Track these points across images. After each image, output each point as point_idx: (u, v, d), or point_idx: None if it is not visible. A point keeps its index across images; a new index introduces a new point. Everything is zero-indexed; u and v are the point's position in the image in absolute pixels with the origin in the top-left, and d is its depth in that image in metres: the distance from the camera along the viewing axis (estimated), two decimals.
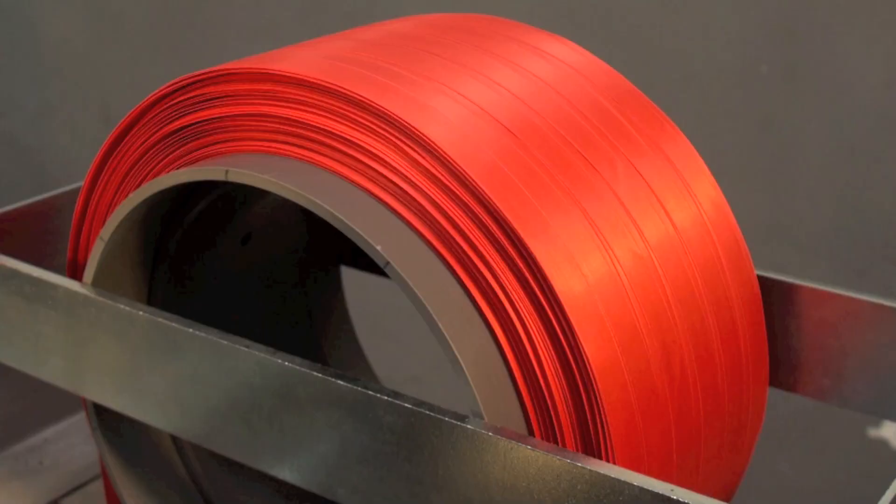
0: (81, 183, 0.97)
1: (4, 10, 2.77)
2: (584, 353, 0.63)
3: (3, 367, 0.93)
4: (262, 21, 2.47)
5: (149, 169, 0.78)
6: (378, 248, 0.63)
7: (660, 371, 0.69)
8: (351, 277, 1.07)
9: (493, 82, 0.75)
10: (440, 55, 0.77)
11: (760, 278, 0.81)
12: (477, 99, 0.72)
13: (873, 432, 1.97)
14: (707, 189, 0.79)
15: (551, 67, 0.80)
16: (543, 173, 0.69)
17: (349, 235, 0.64)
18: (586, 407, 0.64)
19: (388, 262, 0.63)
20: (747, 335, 0.78)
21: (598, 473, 0.59)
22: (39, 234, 0.97)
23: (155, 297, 0.85)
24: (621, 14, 1.93)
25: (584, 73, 0.81)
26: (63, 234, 0.98)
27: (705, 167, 0.79)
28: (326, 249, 1.03)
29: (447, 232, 0.65)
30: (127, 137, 0.78)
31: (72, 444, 1.01)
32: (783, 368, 0.83)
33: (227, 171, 0.68)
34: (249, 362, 0.70)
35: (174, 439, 0.89)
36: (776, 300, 0.82)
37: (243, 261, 0.94)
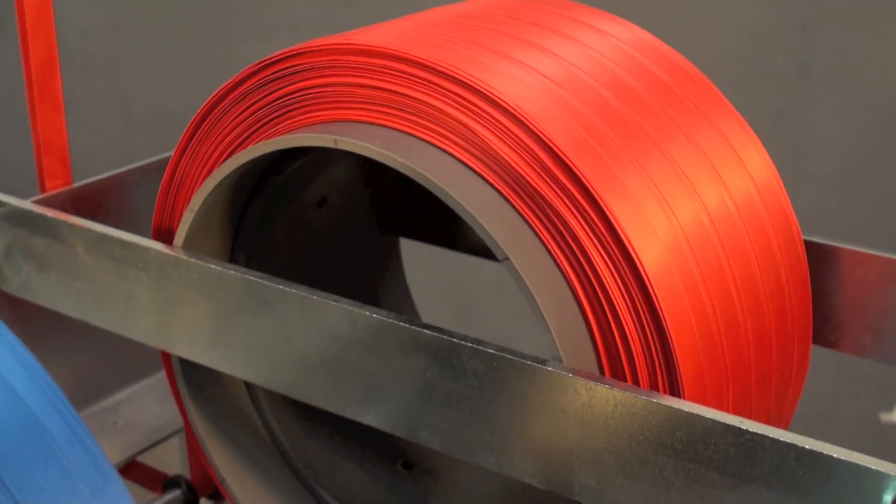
0: (164, 155, 1.03)
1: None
2: (660, 305, 0.69)
3: (78, 332, 0.98)
4: (282, 16, 2.51)
5: (237, 140, 0.83)
6: (471, 211, 0.68)
7: (718, 325, 0.74)
8: (410, 249, 1.13)
9: (560, 57, 0.80)
10: (507, 33, 0.83)
11: (805, 242, 0.87)
12: (546, 71, 0.78)
13: (885, 417, 2.02)
14: (756, 159, 0.84)
15: (610, 43, 0.85)
16: (612, 139, 0.74)
17: (442, 197, 0.70)
18: (660, 355, 0.69)
19: (478, 222, 0.68)
20: (794, 295, 0.84)
21: (673, 408, 0.64)
22: (121, 203, 1.03)
23: (236, 260, 0.91)
24: (636, 7, 1.98)
25: (639, 48, 0.86)
26: (139, 204, 1.04)
27: (755, 137, 0.85)
28: (390, 218, 1.08)
29: (531, 189, 0.71)
30: (216, 110, 0.84)
31: (146, 406, 1.07)
32: (826, 327, 0.89)
33: (335, 140, 0.73)
34: (338, 315, 0.76)
35: (251, 396, 0.95)
36: (820, 262, 0.88)
37: (314, 226, 0.99)
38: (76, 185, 0.99)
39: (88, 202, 1.01)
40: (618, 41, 0.86)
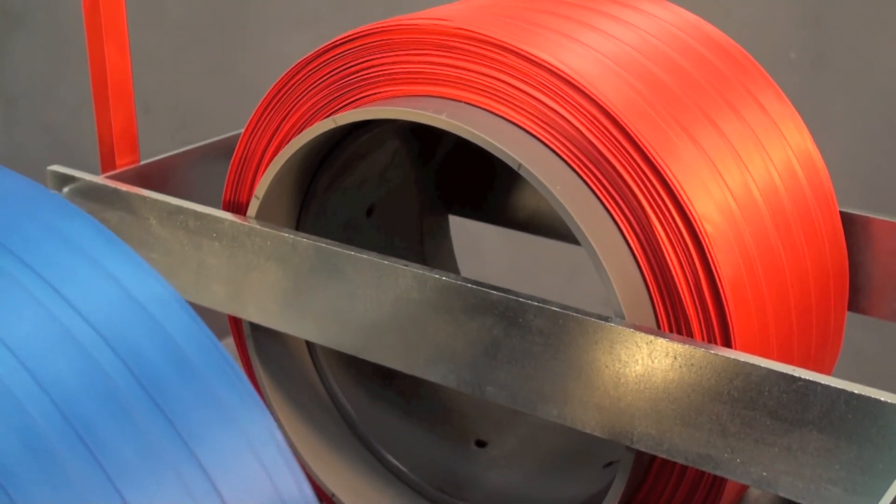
0: (224, 135, 1.08)
1: (43, 4, 2.86)
2: (716, 266, 0.74)
3: None
4: (302, 11, 2.55)
5: (307, 115, 0.88)
6: (546, 183, 0.73)
7: (767, 288, 0.79)
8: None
9: (612, 36, 0.86)
10: (558, 14, 0.88)
11: (841, 213, 0.92)
12: (601, 49, 0.83)
13: None
14: (796, 134, 0.89)
15: (657, 24, 0.91)
16: (665, 110, 0.79)
17: (507, 161, 0.75)
18: (714, 312, 0.74)
19: (552, 194, 0.73)
20: (832, 262, 0.89)
21: (730, 359, 0.69)
22: (183, 180, 1.08)
23: (303, 229, 0.96)
24: None
25: (684, 28, 0.91)
26: (200, 181, 1.09)
27: (795, 113, 0.90)
28: (442, 194, 1.13)
29: (595, 156, 0.76)
30: (287, 87, 0.89)
31: None
32: (860, 294, 0.94)
33: (405, 112, 0.78)
34: (408, 279, 0.81)
35: (313, 361, 1.00)
36: (855, 232, 0.93)
37: (371, 199, 1.05)
38: (142, 163, 1.04)
39: (153, 179, 1.06)
40: (664, 22, 0.91)
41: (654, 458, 0.80)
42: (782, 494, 0.70)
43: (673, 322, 0.76)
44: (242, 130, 0.94)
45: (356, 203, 1.03)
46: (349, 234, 1.02)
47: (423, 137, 1.07)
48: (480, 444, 1.03)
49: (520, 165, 0.74)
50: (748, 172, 0.82)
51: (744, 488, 0.86)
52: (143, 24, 2.71)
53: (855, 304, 0.94)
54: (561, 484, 0.98)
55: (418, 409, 1.04)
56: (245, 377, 0.49)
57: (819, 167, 0.89)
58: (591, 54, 0.81)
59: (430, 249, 1.13)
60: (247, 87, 2.62)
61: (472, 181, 1.12)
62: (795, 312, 0.83)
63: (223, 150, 1.12)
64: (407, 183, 1.09)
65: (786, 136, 0.88)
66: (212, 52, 2.64)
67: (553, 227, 1.08)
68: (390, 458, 0.99)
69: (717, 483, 0.79)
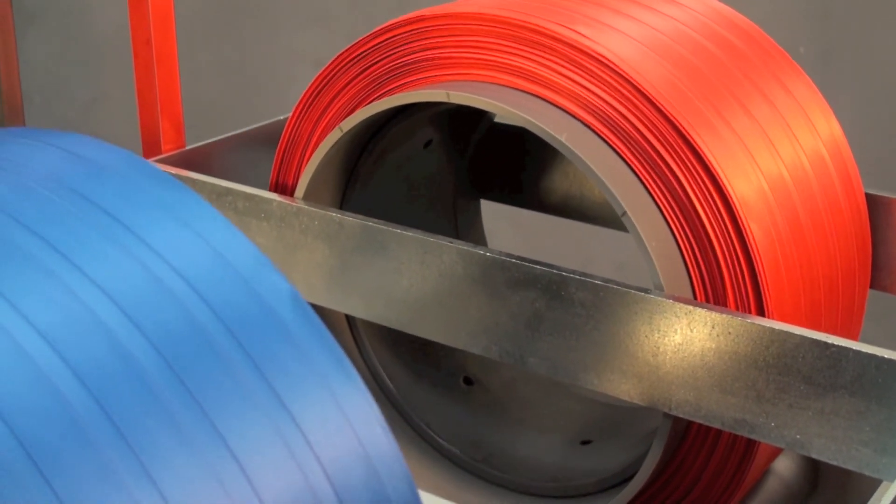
0: (266, 122, 1.12)
1: (57, 1, 2.89)
2: (752, 241, 0.77)
3: None
4: (313, 9, 2.58)
5: (354, 100, 0.92)
6: (581, 155, 0.77)
7: (797, 264, 0.83)
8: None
9: (644, 23, 0.89)
10: (593, 2, 0.92)
11: (866, 194, 0.96)
12: (635, 35, 0.87)
13: None
14: (822, 119, 0.93)
15: (687, 13, 0.94)
16: (698, 93, 0.83)
17: (550, 141, 0.79)
18: (749, 284, 0.78)
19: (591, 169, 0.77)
20: (856, 241, 0.93)
21: (766, 327, 0.73)
22: (227, 164, 1.11)
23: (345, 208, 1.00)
24: None
25: (713, 17, 0.95)
26: (243, 165, 1.13)
27: (821, 98, 0.93)
28: (475, 178, 1.17)
29: (634, 136, 0.80)
30: (334, 74, 0.92)
31: None
32: (882, 273, 0.98)
33: (448, 94, 0.82)
34: (452, 255, 0.84)
35: (354, 338, 1.04)
36: (878, 213, 0.96)
37: (407, 183, 1.08)
38: (187, 148, 1.08)
39: (196, 164, 1.09)
40: (694, 11, 0.95)
41: (689, 425, 0.84)
42: (815, 456, 0.74)
43: (710, 294, 0.80)
44: (288, 116, 0.98)
45: (394, 187, 1.06)
46: (387, 218, 1.06)
47: (457, 123, 1.10)
48: (517, 419, 1.07)
49: (569, 150, 0.78)
50: (778, 155, 0.85)
51: (774, 454, 0.89)
52: None
53: (877, 283, 0.98)
54: (595, 455, 1.02)
55: (458, 385, 1.08)
56: (332, 337, 0.53)
57: (844, 150, 0.93)
58: (628, 40, 0.85)
59: (463, 232, 1.17)
60: (258, 84, 2.66)
61: (504, 166, 1.15)
62: (823, 289, 0.87)
63: (260, 137, 1.16)
64: (442, 168, 1.12)
65: (812, 120, 0.92)
66: (223, 49, 2.67)
67: (583, 210, 1.12)
68: (429, 430, 1.03)
69: (751, 448, 0.82)
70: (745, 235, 0.78)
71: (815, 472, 1.00)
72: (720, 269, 0.78)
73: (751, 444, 0.82)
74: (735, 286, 0.79)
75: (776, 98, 0.89)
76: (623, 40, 0.85)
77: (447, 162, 1.13)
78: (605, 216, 1.11)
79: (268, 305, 0.53)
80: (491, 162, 1.16)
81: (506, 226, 1.91)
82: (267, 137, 1.16)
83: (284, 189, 0.98)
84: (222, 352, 0.50)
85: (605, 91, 0.81)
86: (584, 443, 1.03)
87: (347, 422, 0.52)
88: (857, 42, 2.13)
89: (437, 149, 1.10)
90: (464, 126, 1.11)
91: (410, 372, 1.06)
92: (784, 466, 0.99)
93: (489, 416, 1.07)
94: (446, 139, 1.11)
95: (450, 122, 1.09)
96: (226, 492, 0.46)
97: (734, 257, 0.78)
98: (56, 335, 0.46)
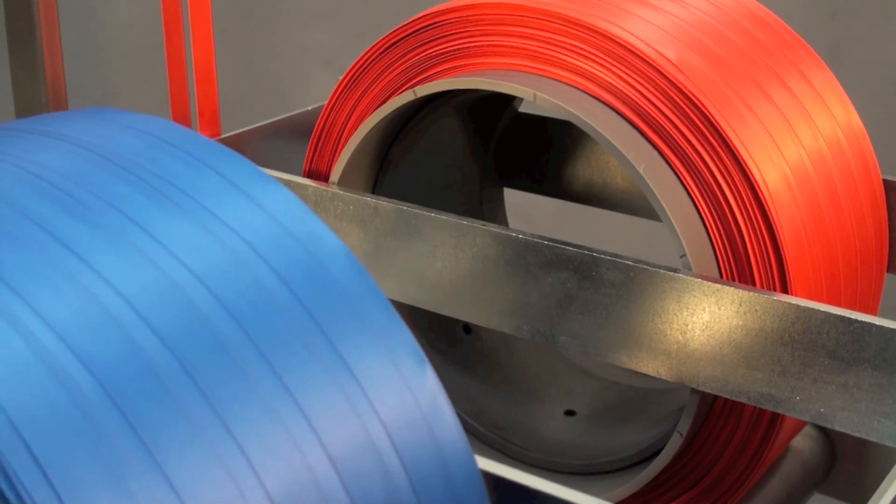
0: (299, 110, 1.15)
1: None
2: (777, 223, 0.80)
3: None
4: (324, 5, 2.61)
5: (388, 89, 0.95)
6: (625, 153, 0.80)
7: (818, 246, 0.86)
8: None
9: (668, 13, 0.92)
10: None
11: (883, 180, 0.99)
12: (660, 24, 0.90)
13: None
14: (839, 108, 0.96)
15: (708, 3, 0.97)
16: (722, 79, 0.86)
17: (583, 127, 0.82)
18: (774, 263, 0.81)
19: (629, 161, 0.80)
20: (873, 226, 0.96)
21: (792, 304, 0.76)
22: (261, 152, 1.14)
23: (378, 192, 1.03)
24: None
25: (732, 7, 0.98)
26: (278, 153, 1.16)
27: (839, 87, 0.96)
28: (501, 165, 1.20)
29: (661, 122, 0.83)
30: (367, 63, 0.95)
31: None
32: None
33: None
34: (485, 238, 0.87)
35: None
36: (893, 198, 0.99)
37: (435, 171, 1.11)
38: (223, 136, 1.11)
39: (245, 147, 1.13)
40: (717, 2, 0.98)
41: (714, 401, 0.87)
42: (838, 428, 0.77)
43: (735, 274, 0.83)
44: (316, 106, 1.01)
45: (421, 176, 1.09)
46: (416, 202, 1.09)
47: (483, 112, 1.13)
48: (539, 398, 1.10)
49: (600, 135, 0.81)
50: (799, 141, 0.88)
51: (795, 432, 0.92)
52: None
53: (893, 266, 1.01)
54: (618, 433, 1.05)
55: (481, 365, 1.11)
56: (385, 298, 0.56)
57: (861, 137, 0.96)
58: (656, 30, 0.88)
59: (487, 219, 1.20)
60: (268, 80, 2.69)
61: (527, 155, 1.18)
62: (842, 270, 0.90)
63: (288, 127, 1.18)
64: (467, 157, 1.15)
65: (831, 108, 0.95)
66: (233, 46, 2.70)
67: (605, 198, 1.15)
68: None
69: (773, 426, 0.85)
70: (770, 217, 0.81)
71: (832, 451, 1.03)
72: (746, 249, 0.81)
73: (773, 423, 0.85)
74: (760, 266, 0.82)
75: (796, 86, 0.92)
76: (651, 30, 0.88)
77: (472, 151, 1.16)
78: (628, 203, 1.14)
79: (328, 269, 0.56)
80: (514, 151, 1.19)
81: (515, 221, 1.94)
82: (295, 128, 1.19)
83: (318, 175, 1.01)
84: (287, 312, 0.52)
85: (635, 80, 0.84)
86: (608, 421, 1.07)
87: (403, 379, 0.55)
88: (863, 41, 2.16)
89: (463, 138, 1.13)
90: (489, 115, 1.14)
91: (438, 354, 1.09)
92: (802, 445, 1.02)
93: (515, 396, 1.10)
94: (472, 128, 1.14)
95: (476, 111, 1.12)
96: (295, 444, 0.49)
97: (759, 238, 0.81)
98: (138, 300, 0.49)
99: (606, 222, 1.66)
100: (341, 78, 0.97)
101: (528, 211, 1.64)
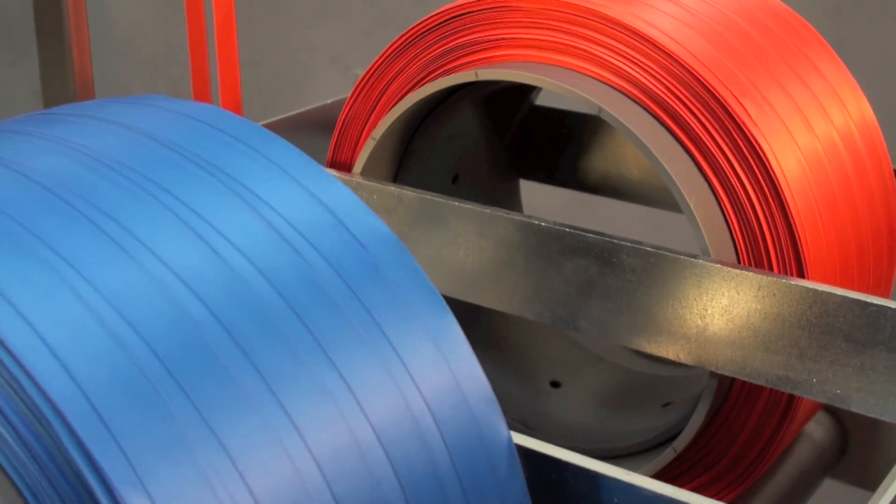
0: (319, 103, 1.17)
1: None
2: (792, 212, 0.83)
3: None
4: (331, 2, 2.63)
5: (409, 82, 0.97)
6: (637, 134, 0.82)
7: (834, 234, 0.89)
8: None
9: (685, 6, 0.95)
10: None
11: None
12: (678, 16, 0.92)
13: None
14: (852, 100, 0.98)
15: None
16: (742, 74, 0.88)
17: (604, 117, 0.84)
18: (790, 249, 0.83)
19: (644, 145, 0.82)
20: (885, 217, 0.98)
21: (810, 288, 0.78)
22: (291, 141, 1.16)
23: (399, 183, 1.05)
24: None
25: (751, 2, 1.00)
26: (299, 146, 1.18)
27: (852, 79, 0.99)
28: (517, 158, 1.22)
29: (680, 111, 0.85)
30: (389, 58, 0.98)
31: None
32: None
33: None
34: (508, 226, 0.90)
35: None
36: None
37: (454, 163, 1.14)
38: None
39: None
40: None
41: (729, 388, 0.89)
42: (854, 409, 0.79)
43: (753, 259, 0.85)
44: (335, 100, 1.03)
45: (440, 167, 1.12)
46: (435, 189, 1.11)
47: (500, 105, 1.16)
48: (554, 384, 1.12)
49: (622, 125, 0.83)
50: (812, 131, 0.90)
51: (808, 417, 0.94)
52: (172, 17, 2.79)
53: None
54: (632, 419, 1.07)
55: (497, 353, 1.13)
56: (426, 276, 0.58)
57: (873, 128, 0.98)
58: (674, 21, 0.90)
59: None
60: (276, 78, 2.71)
61: (543, 147, 1.21)
62: (855, 257, 0.92)
63: (309, 120, 1.21)
64: (485, 148, 1.18)
65: (844, 99, 0.97)
66: (240, 43, 2.71)
67: (620, 189, 1.17)
68: None
69: (789, 410, 0.88)
70: (786, 205, 0.83)
71: (844, 437, 1.06)
72: (763, 235, 0.84)
73: (789, 407, 0.87)
74: (777, 252, 0.84)
75: (810, 78, 0.95)
76: (674, 24, 0.90)
77: (489, 143, 1.18)
78: (642, 194, 1.16)
79: (370, 249, 0.58)
80: (530, 143, 1.21)
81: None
82: (313, 122, 1.21)
83: (341, 166, 1.03)
84: (330, 290, 0.55)
85: (657, 72, 0.86)
86: (621, 407, 1.09)
87: (440, 353, 0.57)
88: (869, 36, 2.18)
89: (480, 129, 1.15)
90: (506, 107, 1.17)
91: None
92: (815, 431, 1.04)
93: (529, 382, 1.12)
94: (490, 120, 1.16)
95: (493, 102, 1.14)
96: (340, 413, 0.52)
97: (775, 225, 0.83)
98: (190, 275, 0.51)
99: (613, 215, 1.68)
100: (367, 68, 0.99)
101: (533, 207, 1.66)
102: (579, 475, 0.58)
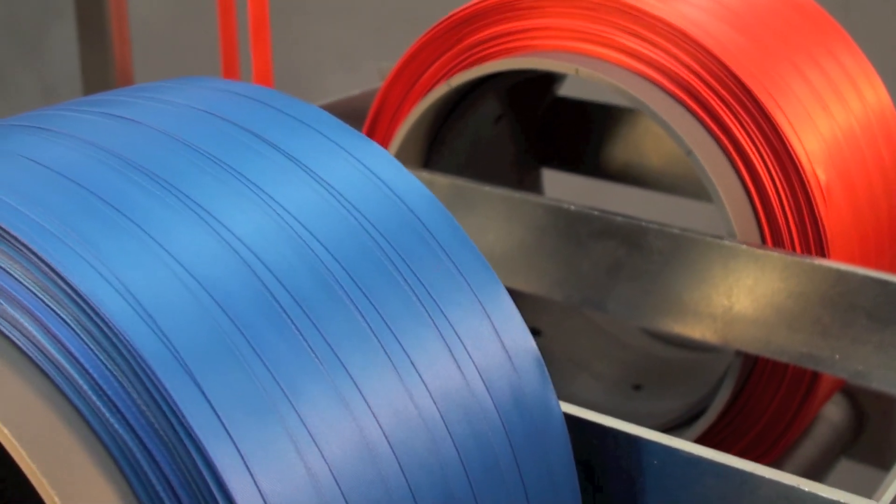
0: (347, 94, 1.20)
1: None
2: (815, 192, 0.86)
3: None
4: (340, 1, 2.65)
5: (440, 72, 1.00)
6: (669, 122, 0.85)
7: (853, 215, 0.92)
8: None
9: None
10: None
11: None
12: (702, 5, 0.95)
13: None
14: (869, 87, 1.01)
15: None
16: (762, 60, 0.91)
17: (636, 105, 0.87)
18: (812, 230, 0.86)
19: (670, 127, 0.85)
20: None
21: (833, 268, 0.81)
22: None
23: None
24: None
25: None
26: None
27: (870, 68, 1.02)
28: (540, 147, 1.25)
29: (707, 97, 0.88)
30: (425, 49, 1.00)
31: None
32: None
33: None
34: (538, 210, 0.93)
35: None
36: None
37: (479, 152, 1.17)
38: None
39: None
40: None
41: (752, 368, 0.92)
42: (875, 386, 0.82)
43: (775, 240, 0.88)
44: (356, 93, 1.06)
45: (466, 156, 1.14)
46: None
47: (525, 95, 1.19)
48: (576, 365, 1.15)
49: (662, 120, 0.86)
50: (832, 117, 0.93)
51: (828, 397, 0.97)
52: (182, 17, 2.81)
53: None
54: (657, 400, 1.10)
55: None
56: (477, 250, 0.61)
57: (889, 114, 1.01)
58: (702, 12, 0.93)
59: None
60: (282, 77, 2.73)
61: (566, 136, 1.23)
62: (872, 240, 0.95)
63: (337, 111, 1.24)
64: (509, 138, 1.21)
65: (861, 87, 1.00)
66: (249, 40, 2.73)
67: (642, 177, 1.20)
68: None
69: (811, 389, 0.90)
70: (808, 188, 0.86)
71: (860, 418, 1.09)
72: (786, 217, 0.87)
73: (811, 386, 0.90)
74: (800, 233, 0.87)
75: (829, 67, 0.98)
76: (702, 14, 0.93)
77: (514, 132, 1.21)
78: (664, 183, 1.19)
79: (415, 221, 0.61)
80: (553, 132, 1.24)
81: None
82: (341, 113, 1.24)
83: None
84: (387, 262, 0.58)
85: (686, 62, 0.89)
86: (636, 388, 1.12)
87: (491, 323, 0.60)
88: (877, 33, 2.20)
89: (505, 119, 1.18)
90: (531, 98, 1.20)
91: None
92: (832, 412, 1.07)
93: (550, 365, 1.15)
94: (515, 110, 1.19)
95: (517, 92, 1.17)
96: (402, 382, 0.55)
97: (798, 207, 0.86)
98: (254, 242, 0.54)
99: (627, 203, 1.71)
100: (402, 56, 1.02)
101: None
102: (620, 439, 0.61)
